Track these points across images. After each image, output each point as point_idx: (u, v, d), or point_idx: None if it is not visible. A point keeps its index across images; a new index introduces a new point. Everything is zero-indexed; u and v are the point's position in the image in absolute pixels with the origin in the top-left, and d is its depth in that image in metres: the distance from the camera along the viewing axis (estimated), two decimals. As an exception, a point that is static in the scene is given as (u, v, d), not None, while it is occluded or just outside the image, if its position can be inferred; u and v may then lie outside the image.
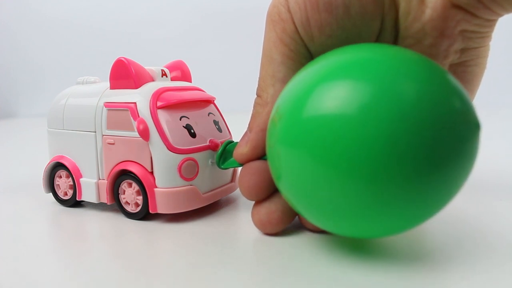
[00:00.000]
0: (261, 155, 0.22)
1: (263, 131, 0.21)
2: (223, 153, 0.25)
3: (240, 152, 0.23)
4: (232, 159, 0.25)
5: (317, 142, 0.17)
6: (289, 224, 0.22)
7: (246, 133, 0.23)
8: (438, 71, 0.17)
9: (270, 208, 0.22)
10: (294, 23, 0.20)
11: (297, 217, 0.24)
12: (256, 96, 0.23)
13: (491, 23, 0.18)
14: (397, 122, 0.15)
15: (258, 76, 0.22)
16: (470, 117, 0.17)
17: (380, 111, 0.16)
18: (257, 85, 0.23)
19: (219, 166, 0.25)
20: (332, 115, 0.16)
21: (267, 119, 0.21)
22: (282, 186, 0.20)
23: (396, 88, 0.16)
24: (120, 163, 0.25)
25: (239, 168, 0.24)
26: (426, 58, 0.18)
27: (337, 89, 0.17)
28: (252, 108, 0.23)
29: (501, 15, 0.18)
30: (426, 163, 0.16)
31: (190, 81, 0.30)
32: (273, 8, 0.21)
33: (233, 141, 0.26)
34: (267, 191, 0.22)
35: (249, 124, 0.23)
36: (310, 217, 0.19)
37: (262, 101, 0.22)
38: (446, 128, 0.16)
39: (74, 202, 0.28)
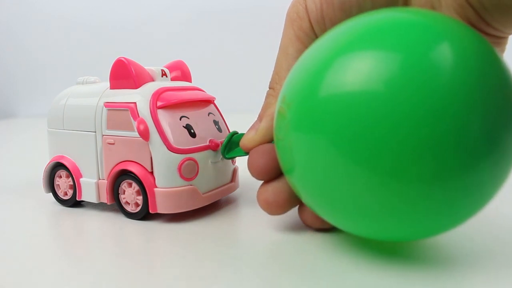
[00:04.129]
0: (270, 141, 0.22)
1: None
2: (228, 143, 0.26)
3: (248, 137, 0.23)
4: (237, 148, 0.25)
5: (338, 125, 0.14)
6: (295, 206, 0.22)
7: (255, 122, 0.23)
8: (480, 38, 0.15)
9: (278, 187, 0.21)
10: (310, 21, 0.21)
11: (297, 215, 0.24)
12: (268, 89, 0.24)
13: (500, 40, 0.18)
14: (436, 99, 0.13)
15: (272, 71, 0.23)
16: None
17: (414, 85, 0.13)
18: (270, 79, 0.23)
19: (223, 156, 0.26)
20: (355, 92, 0.14)
21: None
22: (294, 179, 0.18)
23: (434, 55, 0.13)
24: (120, 163, 0.25)
25: (239, 169, 0.24)
26: (464, 23, 0.15)
27: (360, 61, 0.14)
28: (264, 100, 0.23)
29: (509, 34, 0.18)
30: (471, 151, 0.13)
31: (190, 81, 0.30)
32: (292, 7, 0.22)
33: (238, 132, 0.26)
34: (276, 171, 0.21)
35: (259, 115, 0.23)
36: (327, 215, 0.17)
37: (275, 92, 0.23)
38: (493, 108, 0.13)
39: (74, 202, 0.28)
